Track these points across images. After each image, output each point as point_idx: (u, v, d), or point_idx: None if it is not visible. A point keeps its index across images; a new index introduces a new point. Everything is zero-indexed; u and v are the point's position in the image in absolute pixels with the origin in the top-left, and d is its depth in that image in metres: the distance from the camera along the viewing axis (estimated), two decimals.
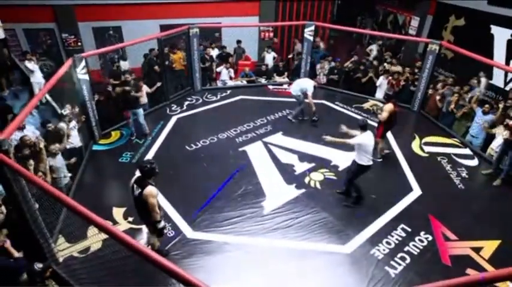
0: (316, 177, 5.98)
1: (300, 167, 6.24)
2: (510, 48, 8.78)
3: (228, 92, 9.01)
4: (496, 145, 6.28)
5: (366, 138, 5.03)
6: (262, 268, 4.36)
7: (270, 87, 9.44)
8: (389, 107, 6.15)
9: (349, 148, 6.51)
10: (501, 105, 6.43)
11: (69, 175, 5.40)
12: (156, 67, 7.49)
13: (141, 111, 6.92)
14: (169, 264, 2.45)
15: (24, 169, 3.40)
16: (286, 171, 6.13)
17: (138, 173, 4.04)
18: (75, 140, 5.96)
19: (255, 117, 7.80)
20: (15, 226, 4.01)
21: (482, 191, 5.85)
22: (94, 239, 4.50)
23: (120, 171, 5.98)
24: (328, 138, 5.42)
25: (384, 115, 6.13)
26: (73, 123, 5.96)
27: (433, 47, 7.44)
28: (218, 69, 9.51)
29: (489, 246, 4.70)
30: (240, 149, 6.72)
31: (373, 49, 10.37)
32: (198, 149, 6.71)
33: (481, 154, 6.56)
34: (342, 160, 6.38)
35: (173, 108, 8.16)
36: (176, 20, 10.13)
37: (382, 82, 8.54)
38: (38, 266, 3.50)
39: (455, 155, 6.61)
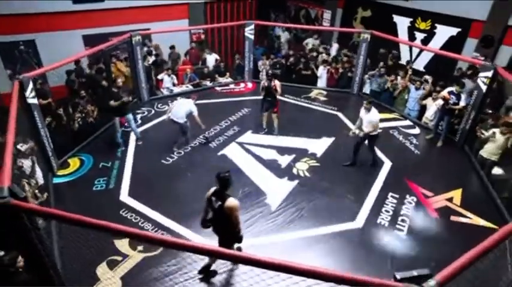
0: (302, 167, 6.33)
1: (283, 160, 6.51)
2: (410, 33, 10.52)
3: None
4: (429, 114, 7.56)
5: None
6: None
7: (218, 88, 9.42)
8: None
9: (317, 136, 7.15)
10: (430, 81, 7.72)
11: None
12: (104, 82, 6.82)
13: (131, 116, 6.76)
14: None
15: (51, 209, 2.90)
16: (272, 166, 6.33)
17: (213, 187, 3.78)
18: (39, 175, 5.12)
19: (217, 120, 7.74)
20: None
21: (431, 152, 6.98)
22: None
23: (102, 200, 5.40)
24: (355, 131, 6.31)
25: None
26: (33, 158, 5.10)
27: (365, 36, 8.45)
28: (160, 77, 9.09)
29: (456, 194, 5.74)
30: (219, 154, 6.66)
31: (309, 42, 11.13)
32: (176, 161, 6.43)
33: (419, 123, 7.80)
34: (316, 147, 6.87)
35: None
36: (101, 29, 9.27)
37: (322, 72, 9.33)
38: None
39: (402, 127, 7.72)
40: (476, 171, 6.24)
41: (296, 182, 5.94)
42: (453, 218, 5.26)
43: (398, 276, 2.22)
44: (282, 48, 11.60)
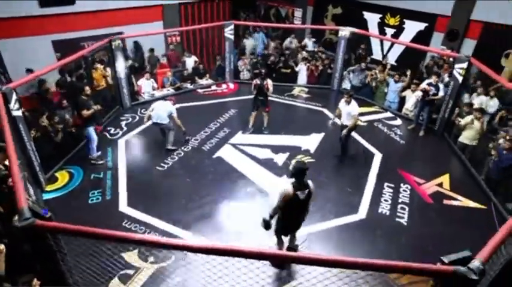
0: None
1: (279, 158, 6.57)
2: (381, 28, 10.99)
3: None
4: (409, 105, 7.96)
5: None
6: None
7: (200, 91, 9.30)
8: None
9: (307, 132, 7.29)
10: (409, 73, 8.12)
11: None
12: (87, 88, 6.48)
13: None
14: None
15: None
16: (269, 165, 6.38)
17: (287, 183, 3.77)
18: (31, 193, 4.79)
19: (206, 122, 7.66)
20: None
21: (415, 141, 7.35)
22: None
23: (101, 213, 5.18)
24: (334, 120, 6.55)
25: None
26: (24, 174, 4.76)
27: (343, 33, 8.71)
28: (139, 82, 8.80)
29: (445, 179, 6.10)
30: (214, 156, 6.59)
31: (292, 41, 11.23)
32: (171, 167, 6.28)
33: (399, 114, 8.18)
34: (308, 144, 7.01)
35: (112, 131, 7.25)
36: (72, 33, 8.80)
37: (301, 68, 9.51)
38: None
39: (385, 119, 8.07)
40: (458, 156, 6.67)
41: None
42: (446, 202, 5.60)
43: (445, 260, 2.35)
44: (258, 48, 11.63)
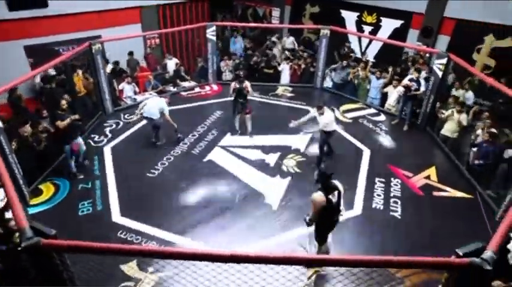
0: (290, 163, 6.46)
1: (270, 159, 6.57)
2: (358, 26, 11.22)
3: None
4: (391, 101, 8.18)
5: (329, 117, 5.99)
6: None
7: (183, 93, 9.14)
8: None
9: (295, 131, 7.33)
10: (390, 70, 8.33)
11: None
12: (66, 96, 6.22)
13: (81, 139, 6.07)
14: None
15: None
16: (261, 166, 6.37)
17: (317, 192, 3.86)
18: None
19: (193, 126, 7.54)
20: None
21: (400, 136, 7.53)
22: None
23: (93, 225, 4.99)
24: (294, 122, 6.21)
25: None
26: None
27: (325, 31, 8.82)
28: (120, 87, 8.54)
29: (432, 172, 6.31)
30: (205, 160, 6.50)
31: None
32: (162, 173, 6.14)
33: (382, 110, 8.39)
34: (298, 142, 7.06)
35: (96, 139, 6.99)
36: (46, 38, 8.41)
37: (284, 67, 9.55)
38: None
39: (369, 115, 8.24)
40: (441, 148, 6.92)
41: (289, 179, 6.04)
42: (435, 193, 5.79)
43: (460, 252, 2.42)
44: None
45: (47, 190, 5.65)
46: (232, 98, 7.12)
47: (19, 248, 2.38)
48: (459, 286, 2.48)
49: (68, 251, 2.60)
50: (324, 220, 3.99)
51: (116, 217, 5.15)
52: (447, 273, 2.59)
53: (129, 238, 4.77)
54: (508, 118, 6.43)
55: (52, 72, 7.66)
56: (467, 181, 6.06)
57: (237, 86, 6.91)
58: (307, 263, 3.14)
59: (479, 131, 6.17)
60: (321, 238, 4.18)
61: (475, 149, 6.06)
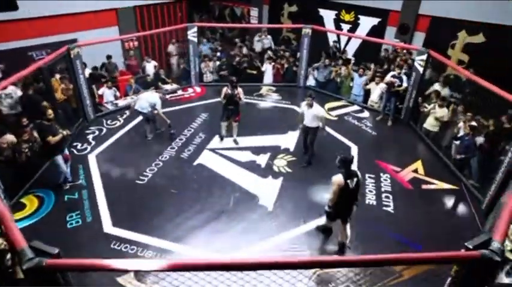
0: (281, 163, 6.46)
1: (261, 160, 6.54)
2: (337, 25, 11.38)
3: (127, 112, 8.01)
4: (374, 97, 8.35)
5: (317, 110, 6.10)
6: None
7: (166, 96, 8.92)
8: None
9: (283, 131, 7.34)
10: (372, 67, 8.49)
11: None
12: (45, 103, 5.93)
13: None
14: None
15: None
16: (253, 168, 6.32)
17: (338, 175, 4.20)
18: None
19: (179, 129, 7.36)
20: None
21: (385, 131, 7.70)
22: None
23: (84, 237, 4.79)
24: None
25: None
26: None
27: (306, 30, 8.87)
28: (100, 92, 8.25)
29: (419, 165, 6.49)
30: (195, 164, 6.39)
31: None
32: (152, 179, 5.98)
33: (366, 107, 8.54)
34: (287, 142, 7.06)
35: (79, 147, 6.72)
36: (18, 42, 8.00)
37: (267, 67, 9.54)
38: None
39: (353, 111, 8.37)
40: (425, 142, 7.13)
41: (281, 179, 6.04)
42: (424, 186, 5.96)
43: (470, 245, 2.48)
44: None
45: (30, 203, 5.37)
46: (222, 104, 6.75)
47: (24, 269, 2.24)
48: (469, 277, 2.54)
49: (74, 270, 2.46)
50: (340, 201, 4.26)
51: (108, 227, 4.96)
52: (457, 266, 2.65)
53: (123, 249, 4.61)
54: (476, 106, 6.65)
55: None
56: (452, 172, 6.27)
57: (229, 92, 6.56)
58: (315, 266, 3.14)
59: (460, 124, 6.40)
60: (331, 216, 4.49)
61: (457, 142, 6.28)
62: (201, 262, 2.53)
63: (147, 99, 6.72)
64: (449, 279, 2.68)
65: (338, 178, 4.16)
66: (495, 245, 2.44)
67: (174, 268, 2.29)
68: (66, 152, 5.71)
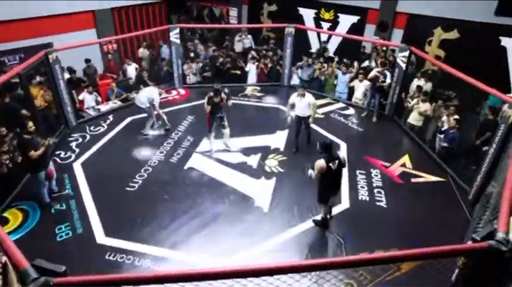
0: (272, 163, 6.44)
1: (252, 161, 6.50)
2: (317, 23, 11.48)
3: (111, 117, 7.77)
4: (358, 94, 8.48)
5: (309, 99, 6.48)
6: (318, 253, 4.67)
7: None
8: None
9: (271, 131, 7.34)
10: (356, 65, 8.62)
11: None
12: (25, 111, 5.65)
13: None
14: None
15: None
16: (244, 169, 6.28)
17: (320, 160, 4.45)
18: None
19: (166, 133, 7.23)
20: None
21: (371, 127, 7.83)
22: None
23: (76, 249, 4.62)
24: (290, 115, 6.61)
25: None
26: None
27: (290, 29, 8.90)
28: (80, 97, 7.96)
29: (406, 160, 6.64)
30: (185, 168, 6.27)
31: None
32: (142, 185, 5.82)
33: (351, 104, 8.67)
34: (276, 142, 7.07)
35: (63, 155, 6.45)
36: None
37: (250, 67, 9.51)
38: None
39: (338, 109, 8.48)
40: (411, 136, 7.31)
41: (274, 179, 6.03)
42: (413, 180, 6.11)
43: (477, 237, 2.54)
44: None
45: (14, 217, 5.09)
46: (209, 114, 6.39)
47: None
48: (477, 268, 2.61)
49: None
50: (325, 183, 4.61)
51: (101, 238, 4.78)
52: (464, 257, 2.72)
53: (119, 259, 4.46)
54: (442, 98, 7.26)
55: None
56: (438, 165, 6.45)
57: (213, 99, 6.19)
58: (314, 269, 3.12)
59: (444, 118, 6.60)
60: (323, 199, 4.79)
61: (441, 135, 6.48)
62: (214, 271, 2.47)
63: (146, 94, 6.84)
64: (456, 270, 2.74)
65: (320, 162, 4.45)
66: (500, 235, 2.51)
67: (193, 277, 2.21)
68: (51, 166, 5.38)
